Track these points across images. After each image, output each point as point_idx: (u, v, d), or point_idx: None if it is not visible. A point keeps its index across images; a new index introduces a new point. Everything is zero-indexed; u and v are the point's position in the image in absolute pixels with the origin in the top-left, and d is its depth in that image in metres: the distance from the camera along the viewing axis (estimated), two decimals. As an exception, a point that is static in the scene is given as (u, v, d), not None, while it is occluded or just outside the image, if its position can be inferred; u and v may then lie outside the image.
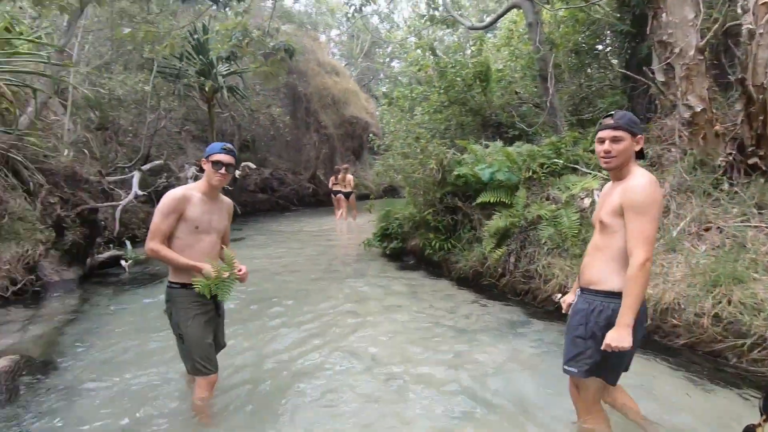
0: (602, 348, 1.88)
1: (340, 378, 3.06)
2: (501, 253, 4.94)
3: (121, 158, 9.68)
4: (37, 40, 6.29)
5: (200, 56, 10.68)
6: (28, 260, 4.86)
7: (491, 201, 5.33)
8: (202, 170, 2.62)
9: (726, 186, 4.13)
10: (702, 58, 4.54)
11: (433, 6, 10.01)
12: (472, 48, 9.61)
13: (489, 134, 7.85)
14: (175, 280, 2.49)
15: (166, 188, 2.55)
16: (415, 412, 2.65)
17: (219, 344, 2.71)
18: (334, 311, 4.46)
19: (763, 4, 3.80)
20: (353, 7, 9.75)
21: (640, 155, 2.01)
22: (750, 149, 4.04)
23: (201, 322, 2.48)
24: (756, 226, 3.69)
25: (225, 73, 11.26)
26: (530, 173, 5.34)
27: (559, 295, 2.85)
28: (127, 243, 7.02)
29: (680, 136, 4.66)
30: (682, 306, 3.39)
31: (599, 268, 2.00)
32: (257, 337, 3.77)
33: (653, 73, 5.01)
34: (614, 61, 8.17)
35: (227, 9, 6.04)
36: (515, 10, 8.44)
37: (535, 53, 7.19)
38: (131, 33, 7.11)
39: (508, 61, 9.29)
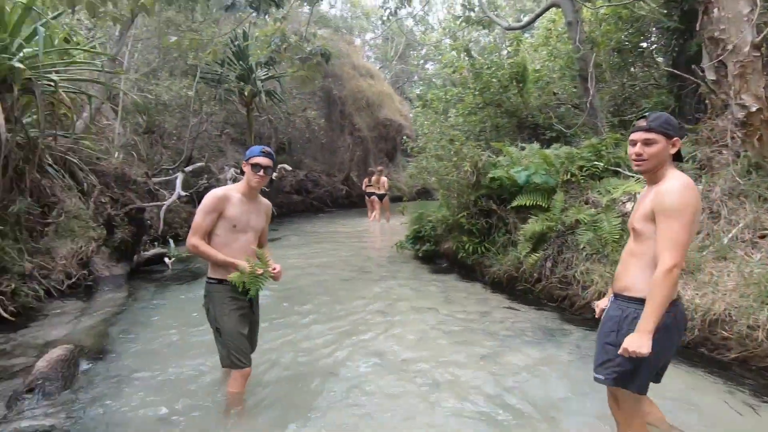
0: (619, 352, 1.82)
1: (370, 378, 3.08)
2: (537, 258, 4.82)
3: (166, 160, 10.14)
4: (92, 49, 6.71)
5: (240, 62, 11.06)
6: (82, 256, 5.17)
7: (527, 204, 5.22)
8: (242, 172, 2.73)
9: (784, 191, 3.87)
10: (758, 54, 4.27)
11: (468, 7, 9.92)
12: (508, 48, 9.46)
13: (525, 136, 7.68)
14: (214, 276, 2.61)
15: (207, 189, 2.68)
16: (443, 416, 2.63)
17: (252, 343, 2.80)
18: (366, 311, 4.50)
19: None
20: (388, 11, 9.82)
21: (678, 158, 1.94)
22: (812, 151, 3.76)
23: (237, 316, 2.59)
24: (818, 234, 3.44)
25: (263, 77, 11.59)
26: (568, 176, 5.20)
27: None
28: (171, 241, 7.34)
29: (733, 138, 4.40)
30: (734, 317, 3.20)
31: (633, 275, 1.94)
32: (291, 335, 3.86)
33: (703, 71, 4.76)
34: (660, 60, 7.82)
35: (267, 16, 6.23)
36: (554, 9, 8.23)
37: (575, 53, 6.99)
38: (177, 41, 7.46)
39: (546, 61, 9.07)
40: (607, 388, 2.08)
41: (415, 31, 24.17)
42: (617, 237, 4.26)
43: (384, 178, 11.72)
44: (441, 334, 3.88)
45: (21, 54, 4.65)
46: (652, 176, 1.93)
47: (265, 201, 2.84)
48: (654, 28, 7.43)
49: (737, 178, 4.13)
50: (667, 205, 1.79)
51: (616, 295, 2.03)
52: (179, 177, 8.34)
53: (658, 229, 1.82)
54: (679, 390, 2.83)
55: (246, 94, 11.08)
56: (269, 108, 12.62)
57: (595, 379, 2.02)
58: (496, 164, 5.87)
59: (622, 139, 5.53)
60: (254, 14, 6.56)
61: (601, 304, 2.19)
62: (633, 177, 4.83)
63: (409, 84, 24.45)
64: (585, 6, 7.43)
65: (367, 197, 11.91)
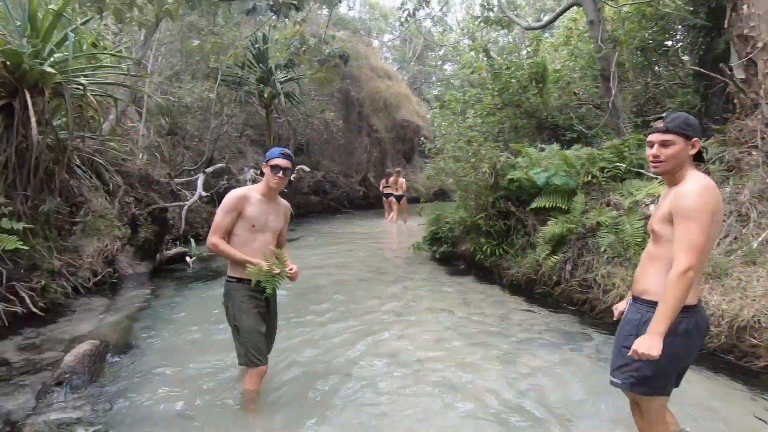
0: (629, 354, 1.79)
1: (385, 378, 3.09)
2: (556, 261, 4.75)
3: (188, 161, 10.37)
4: (118, 54, 6.92)
5: (260, 64, 11.24)
6: (107, 254, 5.33)
7: (546, 206, 5.15)
8: (261, 173, 2.78)
9: (818, 193, 3.72)
10: (790, 52, 4.13)
11: (487, 7, 9.85)
12: (528, 48, 9.35)
13: (545, 137, 7.58)
14: (233, 274, 2.66)
15: (227, 190, 2.74)
16: (458, 418, 2.63)
17: (269, 342, 2.83)
18: (382, 312, 4.51)
19: None
20: (407, 12, 9.82)
21: (699, 158, 1.90)
22: None
23: (255, 314, 2.63)
24: None
25: (283, 80, 11.74)
26: (589, 178, 5.11)
27: None
28: (192, 241, 7.50)
29: (763, 138, 4.25)
30: (763, 324, 3.09)
31: (652, 278, 1.90)
32: (308, 333, 3.89)
33: (731, 69, 4.63)
34: (686, 58, 7.61)
35: (286, 19, 6.32)
36: (575, 8, 8.11)
37: (597, 52, 6.87)
38: (199, 45, 7.63)
39: (567, 60, 8.93)
40: (629, 396, 2.04)
41: (433, 32, 24.13)
42: (640, 240, 4.17)
43: (402, 180, 11.74)
44: (457, 336, 3.86)
45: (52, 59, 4.82)
46: (671, 178, 1.90)
47: (284, 202, 2.87)
48: (680, 26, 7.24)
49: (767, 180, 3.99)
50: (685, 207, 1.76)
51: (635, 298, 2.00)
52: (200, 178, 8.52)
53: (675, 231, 1.78)
54: (702, 397, 2.76)
55: (265, 96, 11.25)
56: (288, 110, 12.78)
57: (612, 383, 1.99)
58: (514, 165, 5.81)
59: (645, 139, 5.40)
60: (274, 17, 6.66)
61: (620, 307, 2.16)
62: (657, 179, 4.72)
63: (427, 85, 24.39)
64: (607, 4, 7.29)
65: (384, 198, 11.93)
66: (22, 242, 3.89)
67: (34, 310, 3.99)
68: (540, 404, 2.73)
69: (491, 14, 9.83)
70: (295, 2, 5.60)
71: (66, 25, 5.20)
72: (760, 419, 2.55)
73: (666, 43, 7.71)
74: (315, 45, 7.39)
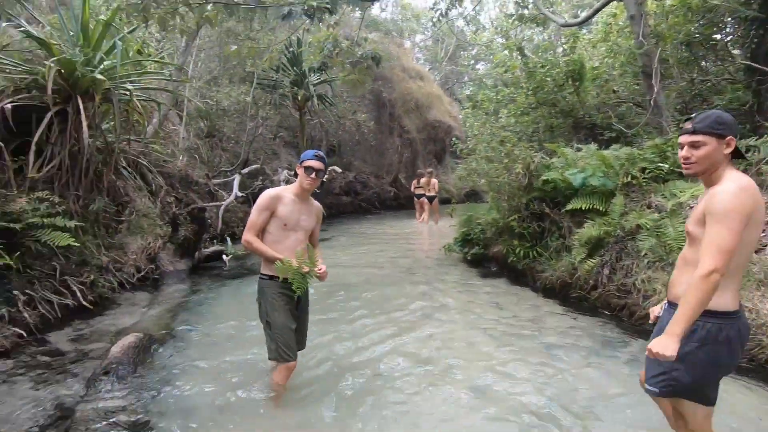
0: (646, 353, 1.74)
1: (413, 379, 3.09)
2: (593, 264, 4.60)
3: (224, 163, 10.71)
4: (161, 60, 7.24)
5: (294, 67, 11.47)
6: (150, 252, 5.59)
7: (583, 208, 5.00)
8: (295, 174, 2.85)
9: None
10: None
11: (522, 5, 9.65)
12: (564, 46, 9.09)
13: (581, 137, 7.35)
14: (266, 272, 2.75)
15: (262, 190, 2.84)
16: (484, 421, 2.60)
17: (301, 340, 2.90)
18: (412, 313, 4.51)
19: None
20: (439, 12, 9.76)
21: (738, 156, 1.81)
22: None
23: (285, 311, 2.70)
24: None
25: (316, 82, 11.94)
26: (629, 179, 4.92)
27: None
28: (228, 239, 7.74)
29: (822, 136, 3.97)
30: (822, 336, 2.89)
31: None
32: (338, 332, 3.94)
33: (787, 63, 4.33)
34: (736, 52, 7.18)
35: (320, 22, 6.43)
36: (614, 2, 7.82)
37: (638, 48, 6.60)
38: (237, 50, 7.87)
39: (606, 57, 8.62)
40: (671, 408, 1.97)
41: (465, 31, 23.87)
42: (683, 243, 3.95)
43: (434, 180, 11.72)
44: (487, 338, 3.81)
45: (102, 66, 5.10)
46: (708, 179, 1.83)
47: (316, 203, 2.94)
48: (729, 18, 6.84)
49: (827, 182, 3.72)
50: (717, 208, 1.68)
51: (670, 303, 1.92)
52: (236, 178, 8.78)
53: (705, 232, 1.71)
54: (749, 409, 2.63)
55: (299, 98, 11.47)
56: (321, 111, 12.98)
57: (649, 391, 1.93)
58: (549, 166, 5.67)
59: (690, 138, 5.15)
60: (308, 21, 6.79)
61: (656, 311, 2.09)
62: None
63: (459, 85, 24.17)
64: (650, -2, 7.00)
65: (415, 199, 11.91)
66: (74, 239, 4.13)
67: (84, 303, 4.24)
68: (569, 411, 2.66)
69: (526, 12, 9.62)
70: (328, 6, 5.68)
71: (114, 34, 5.50)
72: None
73: (714, 36, 7.29)
74: (347, 47, 7.47)
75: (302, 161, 2.75)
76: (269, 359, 2.81)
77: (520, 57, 8.49)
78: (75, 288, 4.24)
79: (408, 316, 4.41)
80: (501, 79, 10.33)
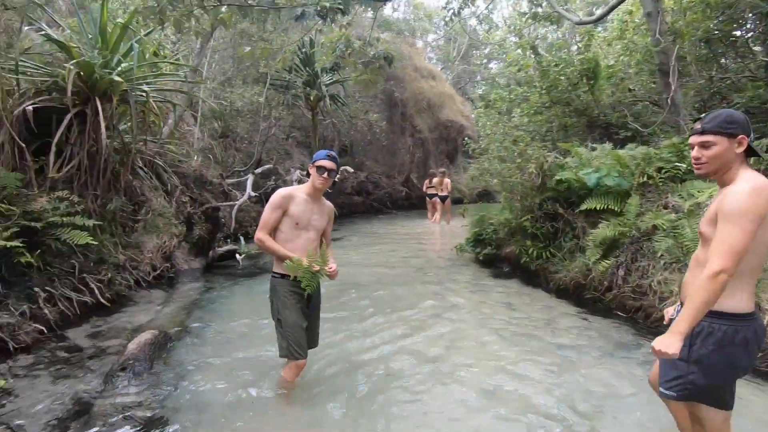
0: (650, 350, 1.72)
1: (422, 378, 3.10)
2: (608, 265, 4.54)
3: (238, 163, 10.83)
4: (176, 62, 7.35)
5: (307, 68, 11.54)
6: (165, 250, 5.68)
7: (597, 208, 4.94)
8: (307, 174, 2.88)
9: None
10: None
11: (536, 2, 9.55)
12: (579, 44, 8.98)
13: (596, 136, 7.24)
14: (278, 271, 2.78)
15: (274, 190, 2.88)
16: (493, 421, 2.60)
17: (313, 338, 2.93)
18: (423, 313, 4.50)
19: None
20: (451, 11, 9.72)
21: (753, 154, 1.78)
22: None
23: (297, 309, 2.73)
24: None
25: (328, 82, 11.99)
26: (645, 178, 4.84)
27: None
28: (241, 239, 7.83)
29: None
30: None
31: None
32: (349, 331, 3.96)
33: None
34: (757, 49, 7.01)
35: (333, 23, 6.46)
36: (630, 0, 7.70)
37: (655, 45, 6.48)
38: (250, 51, 7.95)
39: (621, 55, 8.48)
40: (683, 413, 1.95)
41: (478, 30, 23.73)
42: (701, 245, 3.89)
43: (447, 180, 11.70)
44: (498, 339, 3.79)
45: (119, 68, 5.20)
46: (721, 179, 1.80)
47: (328, 203, 2.96)
48: (750, 14, 6.68)
49: None
50: (729, 208, 1.66)
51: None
52: (249, 178, 8.87)
53: (716, 232, 1.69)
54: (763, 410, 2.59)
55: (311, 98, 11.54)
56: (333, 112, 13.04)
57: (663, 395, 1.89)
58: (563, 166, 5.61)
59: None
60: (321, 22, 6.82)
61: (670, 312, 2.07)
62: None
63: (472, 84, 24.04)
64: (667, -6, 6.87)
65: (427, 199, 11.90)
66: (92, 238, 4.22)
67: (101, 300, 4.33)
68: (578, 412, 2.64)
69: (540, 10, 9.52)
70: (341, 6, 5.71)
71: (131, 36, 5.60)
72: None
73: (734, 33, 7.12)
74: (360, 47, 7.49)
75: (314, 161, 2.77)
76: (280, 356, 2.84)
77: (533, 55, 8.41)
78: (93, 285, 4.33)
79: (419, 316, 4.41)
80: (514, 78, 10.25)
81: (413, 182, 15.77)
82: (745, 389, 1.87)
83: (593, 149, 5.70)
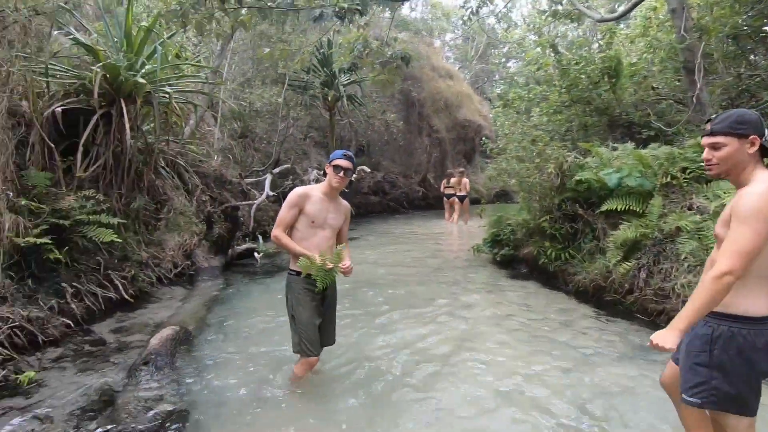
0: (648, 344, 1.72)
1: (437, 379, 3.09)
2: (629, 267, 4.45)
3: (256, 162, 10.98)
4: (198, 63, 7.50)
5: (324, 69, 11.63)
6: (186, 248, 5.80)
7: (618, 209, 4.85)
8: (324, 173, 2.91)
9: None
10: None
11: (555, 0, 9.42)
12: (600, 42, 8.81)
13: (617, 135, 7.09)
14: (293, 268, 2.82)
15: (292, 189, 2.92)
16: (509, 424, 2.58)
17: (329, 337, 2.95)
18: (439, 313, 4.49)
19: None
20: (469, 10, 9.65)
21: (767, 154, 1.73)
22: None
23: (311, 306, 2.76)
24: None
25: (346, 83, 12.06)
26: (668, 179, 4.72)
27: None
28: (260, 237, 7.94)
29: None
30: None
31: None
32: (367, 330, 3.98)
33: None
34: (789, 45, 6.76)
35: (351, 24, 6.50)
36: (655, -5, 7.52)
37: (679, 42, 6.31)
38: (269, 52, 8.06)
39: (644, 53, 8.28)
40: (697, 420, 1.92)
41: (496, 29, 23.49)
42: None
43: (466, 179, 11.66)
44: (516, 341, 3.75)
45: (143, 70, 5.34)
46: (735, 180, 1.76)
47: (344, 202, 2.98)
48: (782, 9, 6.44)
49: None
50: (742, 209, 1.62)
51: None
52: (268, 178, 8.98)
53: (728, 232, 1.65)
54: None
55: (329, 99, 11.62)
56: (350, 112, 13.10)
57: (687, 402, 1.84)
58: (583, 166, 5.52)
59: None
60: (339, 22, 6.87)
61: None
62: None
63: (490, 83, 23.83)
64: (693, -10, 6.69)
65: (445, 199, 11.85)
66: (116, 235, 4.35)
67: (125, 296, 4.45)
68: (595, 419, 2.59)
69: (560, 7, 9.38)
70: (359, 7, 5.74)
71: (155, 39, 5.74)
72: None
73: (764, 28, 6.89)
74: (377, 48, 7.51)
75: (331, 160, 2.80)
76: (293, 352, 2.88)
77: (553, 54, 8.29)
78: (117, 282, 4.46)
79: (435, 317, 4.40)
80: (533, 77, 10.10)
81: (430, 182, 15.72)
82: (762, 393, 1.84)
83: (614, 149, 5.59)
